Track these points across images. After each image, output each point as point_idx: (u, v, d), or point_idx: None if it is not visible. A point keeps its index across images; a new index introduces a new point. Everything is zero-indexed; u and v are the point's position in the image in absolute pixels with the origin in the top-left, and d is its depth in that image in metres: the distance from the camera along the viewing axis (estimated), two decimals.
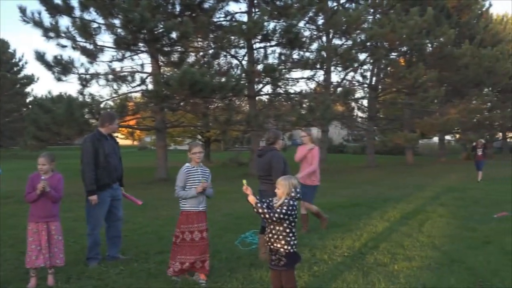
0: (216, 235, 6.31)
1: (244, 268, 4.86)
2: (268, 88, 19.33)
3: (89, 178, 4.91)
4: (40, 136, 13.68)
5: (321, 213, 6.93)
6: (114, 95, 16.25)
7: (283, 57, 17.87)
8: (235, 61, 19.05)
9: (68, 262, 4.64)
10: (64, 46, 14.90)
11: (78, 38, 14.62)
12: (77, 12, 14.34)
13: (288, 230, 3.49)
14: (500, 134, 36.38)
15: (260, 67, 17.47)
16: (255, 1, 17.56)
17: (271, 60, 18.01)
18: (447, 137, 32.37)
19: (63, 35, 14.46)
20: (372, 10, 21.66)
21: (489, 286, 4.33)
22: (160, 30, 14.15)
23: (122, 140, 27.15)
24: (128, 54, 16.21)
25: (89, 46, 15.12)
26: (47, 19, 14.36)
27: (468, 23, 24.82)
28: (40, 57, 14.71)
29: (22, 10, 14.04)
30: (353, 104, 25.57)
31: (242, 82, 15.62)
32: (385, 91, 25.40)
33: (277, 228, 3.51)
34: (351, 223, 7.36)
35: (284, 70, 17.90)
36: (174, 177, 4.68)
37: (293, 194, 3.50)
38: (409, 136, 22.02)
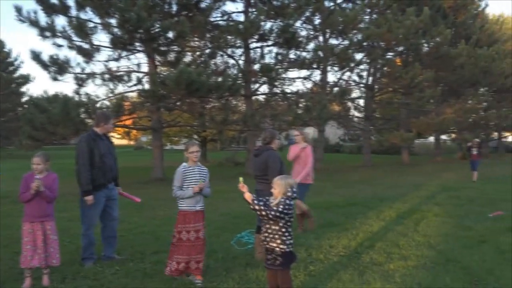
0: (212, 234, 6.30)
1: (240, 268, 4.86)
2: (264, 88, 19.36)
3: (85, 178, 4.89)
4: (36, 135, 13.63)
5: (310, 213, 6.80)
6: (110, 95, 16.21)
7: (279, 57, 17.89)
8: (231, 61, 19.05)
9: (63, 262, 4.63)
10: (60, 46, 14.88)
11: (74, 38, 14.59)
12: (73, 12, 14.35)
13: (284, 230, 3.50)
14: (496, 133, 36.53)
15: (256, 66, 17.48)
16: (252, 1, 17.57)
17: (268, 59, 18.05)
18: (443, 137, 32.52)
19: (59, 34, 14.42)
20: (368, 10, 21.68)
21: (484, 285, 4.34)
22: (157, 30, 14.14)
23: (118, 139, 27.05)
24: (124, 53, 16.18)
25: (85, 46, 15.07)
26: (43, 19, 14.39)
27: (464, 23, 24.91)
28: (36, 56, 14.66)
29: (18, 9, 14.00)
30: (349, 103, 25.62)
31: (238, 81, 15.62)
32: (382, 91, 25.48)
33: (273, 227, 3.51)
34: (347, 223, 7.36)
35: (280, 70, 17.89)
36: (171, 176, 4.67)
37: (289, 194, 3.50)
38: (405, 135, 22.08)
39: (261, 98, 20.63)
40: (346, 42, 19.60)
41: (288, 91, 19.84)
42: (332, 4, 20.94)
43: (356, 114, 27.24)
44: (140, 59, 17.65)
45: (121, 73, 16.01)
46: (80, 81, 15.65)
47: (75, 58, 23.36)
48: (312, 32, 20.95)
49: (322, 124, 18.98)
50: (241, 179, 3.62)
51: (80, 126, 13.06)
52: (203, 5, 15.75)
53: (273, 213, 3.41)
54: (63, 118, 12.73)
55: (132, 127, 21.88)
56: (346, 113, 26.18)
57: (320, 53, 18.35)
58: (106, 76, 15.83)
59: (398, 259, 5.18)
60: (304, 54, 18.56)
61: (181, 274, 4.45)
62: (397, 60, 24.09)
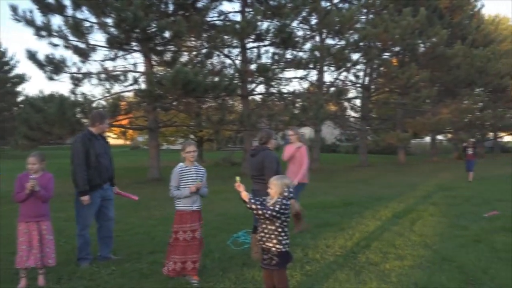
0: (209, 234, 6.30)
1: (237, 268, 4.86)
2: (261, 88, 19.34)
3: (81, 179, 4.87)
4: (32, 135, 13.57)
5: (302, 215, 6.73)
6: (107, 95, 16.15)
7: (276, 57, 17.87)
8: (228, 61, 19.03)
9: (59, 263, 4.62)
10: (56, 45, 14.80)
11: (70, 37, 14.51)
12: (70, 11, 14.28)
13: (280, 230, 3.50)
14: (492, 133, 36.68)
15: (253, 66, 17.46)
16: (249, 1, 17.56)
17: (264, 59, 18.02)
18: (439, 137, 32.59)
19: (55, 34, 14.36)
20: (365, 10, 21.74)
21: (480, 284, 4.37)
22: (153, 29, 14.10)
23: (114, 139, 26.96)
24: (120, 53, 16.13)
25: (82, 45, 15.02)
26: (39, 18, 14.28)
27: (460, 23, 25.01)
28: (31, 56, 14.60)
29: (14, 9, 13.93)
30: (346, 104, 25.63)
31: (235, 81, 15.61)
32: (378, 91, 25.54)
33: (269, 227, 3.52)
34: (343, 222, 7.38)
35: (277, 70, 17.88)
36: (167, 176, 4.67)
37: (286, 194, 3.51)
38: (401, 135, 22.14)
39: (257, 98, 20.64)
40: (343, 42, 19.64)
41: (284, 91, 19.86)
42: (328, 4, 20.97)
43: (353, 114, 27.29)
44: (137, 58, 17.64)
45: (118, 72, 15.97)
46: (76, 81, 15.60)
47: (71, 57, 23.24)
48: (308, 32, 20.99)
49: (318, 124, 19.00)
50: (237, 178, 3.62)
51: (76, 126, 13.01)
52: (199, 4, 15.74)
53: (269, 212, 3.41)
54: (59, 118, 12.69)
55: (129, 127, 21.82)
56: (343, 113, 26.22)
57: (317, 53, 18.36)
58: (102, 75, 15.79)
59: (394, 258, 5.19)
60: (300, 54, 18.57)
61: (178, 274, 4.45)
62: (393, 60, 24.14)
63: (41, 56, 14.74)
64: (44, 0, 14.07)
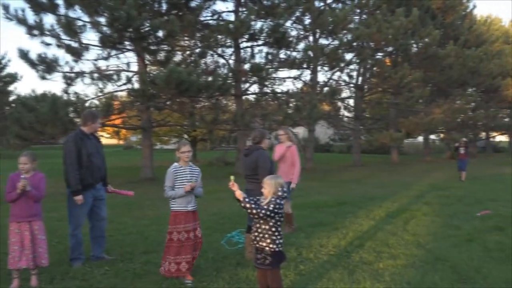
0: (203, 234, 6.26)
1: (231, 268, 4.86)
2: (255, 88, 19.33)
3: (73, 179, 4.83)
4: (24, 135, 13.47)
5: (292, 218, 6.73)
6: (100, 94, 16.06)
7: (270, 57, 17.86)
8: (222, 60, 18.98)
9: (51, 263, 4.58)
10: (48, 44, 14.68)
11: (63, 36, 14.40)
12: (62, 10, 14.15)
13: (274, 229, 3.50)
14: (484, 133, 36.96)
15: (247, 66, 17.45)
16: (242, 0, 17.54)
17: (258, 59, 18.00)
18: (432, 137, 32.78)
19: (47, 33, 14.25)
20: (358, 11, 21.80)
21: (472, 284, 4.39)
22: (147, 29, 14.05)
23: (107, 139, 26.82)
24: (113, 52, 16.03)
25: (74, 44, 14.91)
26: (31, 17, 14.14)
27: (452, 24, 25.18)
28: (23, 55, 14.46)
29: (6, 7, 13.80)
30: (339, 103, 25.70)
31: (228, 81, 15.58)
32: (371, 91, 25.64)
33: (263, 226, 3.51)
34: (337, 222, 7.39)
35: (271, 70, 17.88)
36: (160, 176, 4.66)
37: (280, 193, 3.50)
38: (394, 135, 22.23)
39: (251, 97, 20.61)
40: (336, 42, 19.69)
41: (278, 90, 19.85)
42: (322, 4, 21.02)
43: (346, 114, 27.39)
44: (130, 58, 17.57)
45: (111, 72, 15.88)
46: (69, 80, 15.47)
47: (63, 56, 23.00)
48: (302, 32, 21.01)
49: (312, 123, 19.04)
50: (232, 177, 3.61)
51: (69, 126, 12.92)
52: (193, 4, 15.69)
53: (263, 211, 3.41)
54: (52, 117, 12.60)
55: (122, 127, 21.71)
56: (336, 113, 26.28)
57: (310, 53, 18.39)
58: (95, 75, 15.69)
59: (388, 258, 5.21)
60: (294, 54, 18.58)
61: (173, 275, 4.43)
62: (386, 60, 24.26)
63: (33, 55, 14.62)
64: None
